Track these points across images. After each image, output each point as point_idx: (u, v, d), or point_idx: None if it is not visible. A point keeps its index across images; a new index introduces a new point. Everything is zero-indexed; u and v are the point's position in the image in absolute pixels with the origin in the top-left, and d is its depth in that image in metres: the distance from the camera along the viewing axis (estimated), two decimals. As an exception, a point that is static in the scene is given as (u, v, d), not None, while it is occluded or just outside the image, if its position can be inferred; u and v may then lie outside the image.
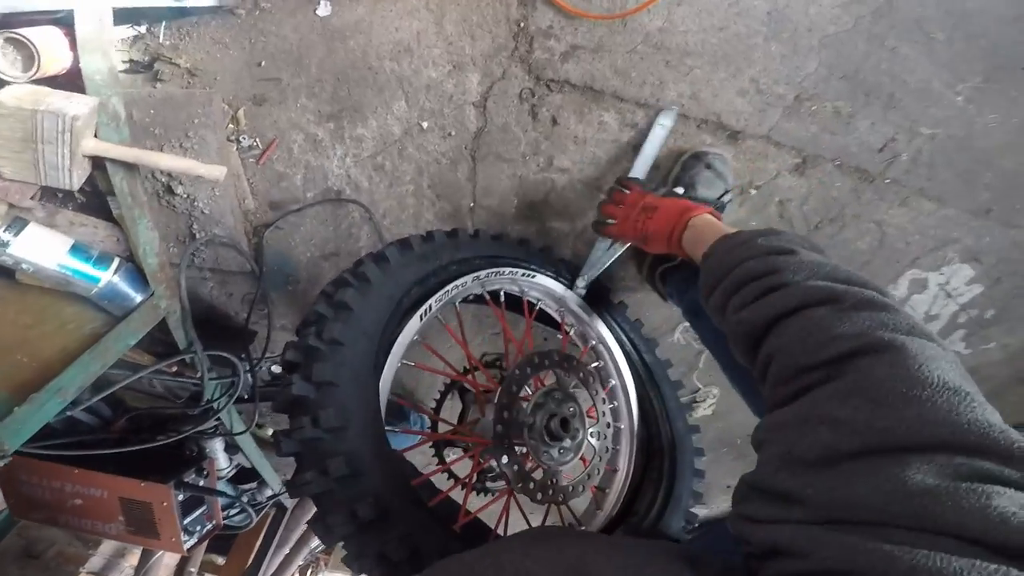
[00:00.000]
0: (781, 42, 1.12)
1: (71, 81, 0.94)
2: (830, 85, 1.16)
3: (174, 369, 1.37)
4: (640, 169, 1.21)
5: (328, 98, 1.18)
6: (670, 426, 1.28)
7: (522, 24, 1.13)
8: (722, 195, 1.22)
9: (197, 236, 1.32)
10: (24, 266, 1.05)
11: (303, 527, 2.07)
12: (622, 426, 1.29)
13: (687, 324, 1.55)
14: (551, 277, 1.27)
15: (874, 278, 1.35)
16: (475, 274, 1.12)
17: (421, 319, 1.03)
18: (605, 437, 1.15)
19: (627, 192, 1.11)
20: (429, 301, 1.04)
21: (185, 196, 1.25)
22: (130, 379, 1.24)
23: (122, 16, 1.01)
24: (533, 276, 1.24)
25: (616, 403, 1.30)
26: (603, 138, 1.26)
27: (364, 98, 1.19)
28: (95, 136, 0.97)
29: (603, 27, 1.12)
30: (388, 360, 0.96)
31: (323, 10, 1.07)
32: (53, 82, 0.93)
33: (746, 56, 1.14)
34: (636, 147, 1.25)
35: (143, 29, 1.06)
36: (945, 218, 1.33)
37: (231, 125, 1.19)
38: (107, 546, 1.76)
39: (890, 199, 1.31)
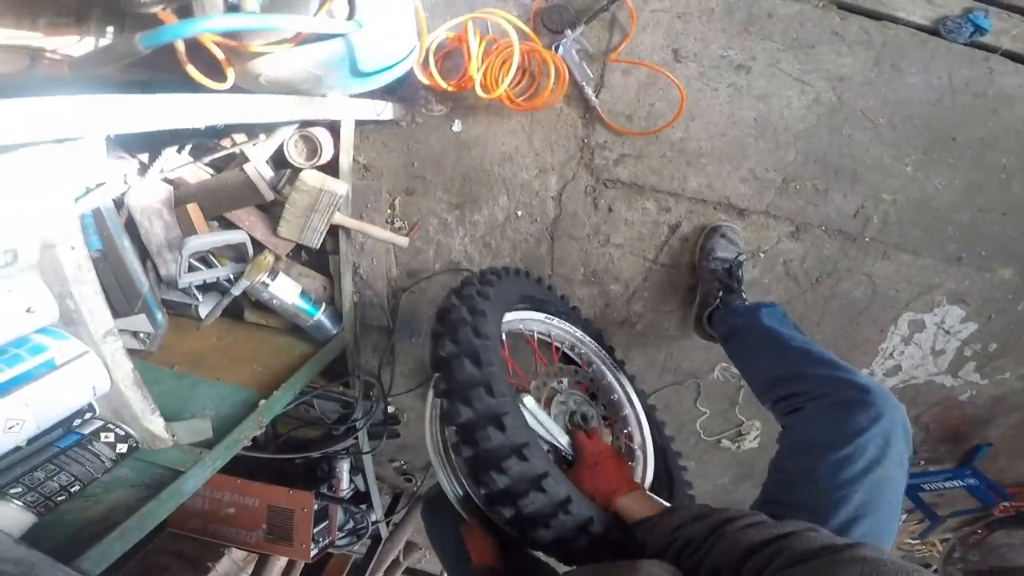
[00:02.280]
0: (766, 140, 1.63)
1: (325, 170, 1.53)
2: (807, 168, 1.64)
3: (340, 388, 1.82)
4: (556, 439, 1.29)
5: (456, 192, 1.75)
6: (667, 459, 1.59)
7: (586, 140, 1.69)
8: (737, 256, 1.66)
9: (357, 296, 1.85)
10: (274, 301, 1.59)
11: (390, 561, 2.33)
12: (635, 447, 1.59)
13: (724, 364, 1.89)
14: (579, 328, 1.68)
15: (875, 321, 1.72)
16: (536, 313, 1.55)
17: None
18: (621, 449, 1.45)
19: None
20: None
21: (355, 263, 1.81)
22: (311, 395, 1.70)
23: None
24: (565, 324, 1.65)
25: (630, 428, 1.62)
26: (646, 220, 1.75)
27: (480, 193, 1.75)
28: (340, 210, 1.55)
29: (642, 140, 1.67)
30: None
31: (457, 127, 1.67)
32: (322, 170, 1.52)
33: (743, 152, 1.65)
34: (671, 227, 1.74)
35: None
36: (923, 267, 1.70)
37: (389, 210, 1.77)
38: (215, 574, 2.04)
39: (873, 254, 1.70)
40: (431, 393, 1.20)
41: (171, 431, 1.19)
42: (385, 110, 1.57)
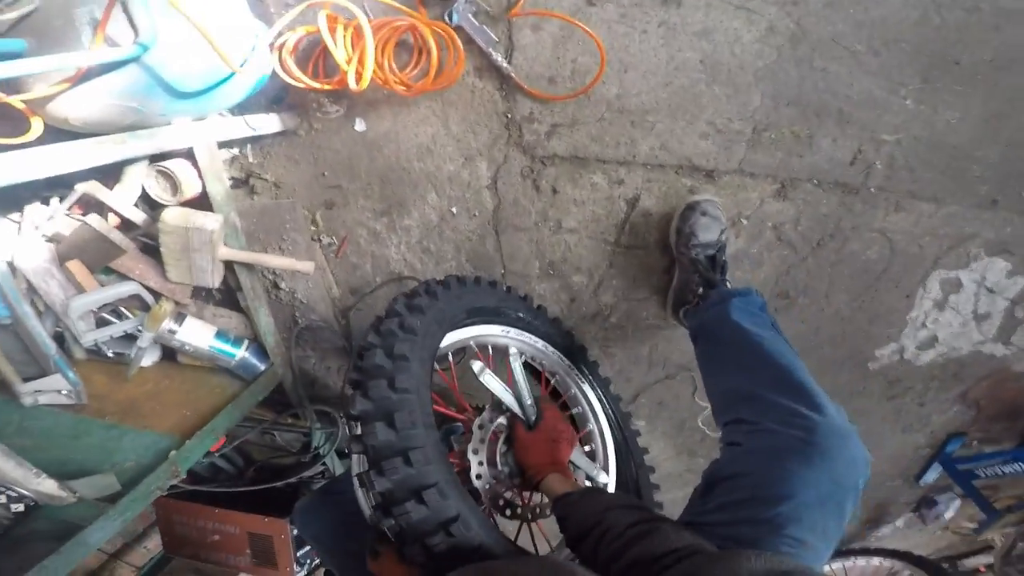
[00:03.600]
0: (721, 84, 1.31)
1: (200, 202, 1.40)
2: (780, 112, 1.31)
3: (289, 421, 1.73)
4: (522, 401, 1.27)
5: (378, 197, 1.56)
6: (634, 462, 1.44)
7: (509, 115, 1.44)
8: (720, 234, 1.37)
9: (299, 321, 1.72)
10: (187, 348, 1.50)
11: None
12: (598, 464, 1.39)
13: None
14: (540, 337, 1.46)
15: (897, 285, 1.39)
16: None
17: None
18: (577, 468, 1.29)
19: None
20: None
21: (288, 290, 1.67)
22: (258, 428, 1.62)
23: (221, 144, 1.44)
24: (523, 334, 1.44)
25: (592, 445, 1.42)
26: (598, 197, 1.48)
27: (404, 194, 1.55)
28: (225, 244, 1.41)
29: (572, 104, 1.39)
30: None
31: (360, 126, 1.46)
32: (191, 204, 1.39)
33: (696, 103, 1.34)
34: (629, 201, 1.46)
35: (236, 151, 1.51)
36: (950, 215, 1.33)
37: (312, 227, 1.60)
38: None
39: (883, 206, 1.35)
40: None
41: (71, 488, 1.19)
42: (268, 122, 1.39)
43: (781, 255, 1.46)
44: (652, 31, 1.28)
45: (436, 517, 0.87)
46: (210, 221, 1.34)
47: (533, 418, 1.25)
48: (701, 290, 1.37)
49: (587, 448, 1.47)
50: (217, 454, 1.74)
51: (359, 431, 0.95)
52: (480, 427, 1.24)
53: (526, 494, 1.27)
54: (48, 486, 1.18)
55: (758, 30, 1.24)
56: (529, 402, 1.26)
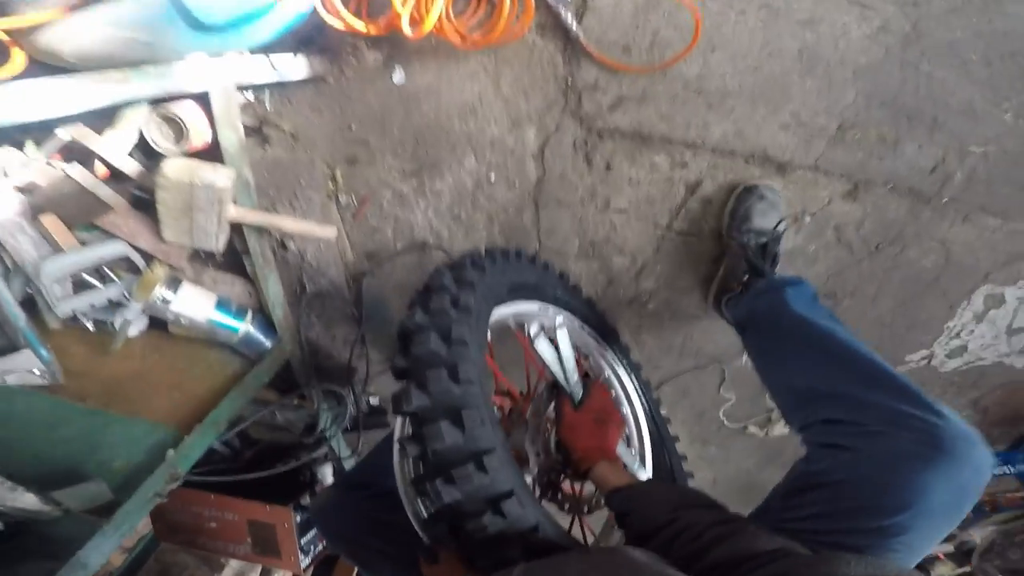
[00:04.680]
0: (816, 77, 1.19)
1: (210, 153, 1.17)
2: (871, 113, 1.21)
3: (295, 403, 1.58)
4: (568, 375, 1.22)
5: (409, 157, 1.37)
6: (667, 450, 1.42)
7: (569, 81, 1.27)
8: (777, 224, 1.29)
9: (307, 286, 1.54)
10: (182, 320, 1.30)
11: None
12: (633, 450, 1.35)
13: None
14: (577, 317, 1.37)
15: (944, 295, 1.37)
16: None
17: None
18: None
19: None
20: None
21: (296, 251, 1.48)
22: (260, 413, 1.46)
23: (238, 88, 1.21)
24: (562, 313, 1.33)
25: (628, 430, 1.38)
26: (656, 178, 1.36)
27: (439, 155, 1.37)
28: (234, 203, 1.20)
29: (644, 78, 1.24)
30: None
31: (398, 77, 1.26)
32: (197, 155, 1.17)
33: (783, 92, 1.22)
34: (689, 186, 1.35)
35: (251, 97, 1.28)
36: (1013, 232, 1.31)
37: (330, 184, 1.40)
38: (230, 570, 1.95)
39: (951, 217, 1.31)
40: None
41: (56, 501, 1.03)
42: (295, 66, 1.16)
43: (837, 256, 1.40)
44: (751, 13, 1.13)
45: (515, 528, 0.76)
46: (220, 177, 1.13)
47: (579, 395, 1.19)
48: (746, 278, 1.31)
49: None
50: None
51: (412, 431, 0.80)
52: (535, 413, 1.16)
53: (577, 485, 1.20)
54: (28, 500, 1.02)
55: (870, 27, 1.11)
56: (575, 378, 1.19)
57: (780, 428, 1.72)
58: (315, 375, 1.51)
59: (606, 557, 0.69)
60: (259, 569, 1.94)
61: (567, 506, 1.17)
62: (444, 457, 0.76)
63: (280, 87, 1.26)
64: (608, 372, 1.44)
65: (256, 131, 1.30)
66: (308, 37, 1.20)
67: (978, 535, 1.70)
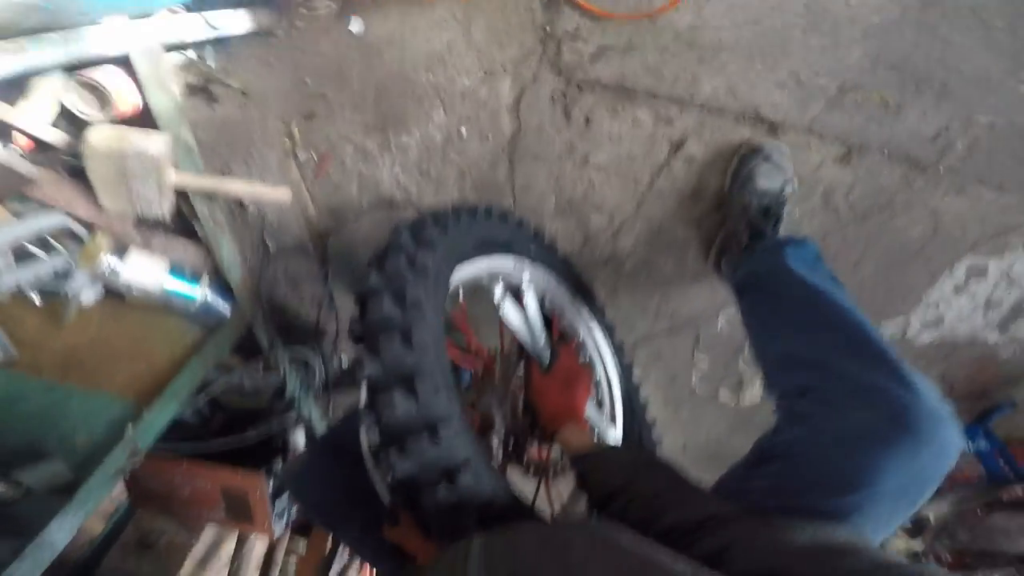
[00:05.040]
0: (821, 34, 1.08)
1: (143, 118, 1.06)
2: (876, 75, 1.11)
3: (260, 368, 1.54)
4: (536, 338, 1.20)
5: (372, 111, 1.26)
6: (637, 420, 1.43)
7: (548, 28, 1.15)
8: (783, 186, 1.22)
9: (269, 245, 1.46)
10: (135, 292, 1.22)
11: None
12: (604, 412, 1.35)
13: (732, 311, 1.55)
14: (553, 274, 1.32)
15: (927, 264, 1.33)
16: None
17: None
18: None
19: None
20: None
21: (256, 211, 1.39)
22: (225, 381, 1.41)
23: (170, 47, 1.09)
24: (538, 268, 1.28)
25: (600, 395, 1.37)
26: (638, 135, 1.27)
27: (405, 109, 1.26)
28: (175, 168, 1.10)
29: (631, 27, 1.12)
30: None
31: (356, 27, 1.13)
32: (128, 121, 1.06)
33: (783, 49, 1.11)
34: (673, 144, 1.26)
35: (192, 54, 1.15)
36: (1006, 205, 1.25)
37: (287, 141, 1.29)
38: (208, 534, 1.99)
39: (945, 187, 1.24)
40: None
41: (17, 480, 1.02)
42: (235, 20, 1.02)
43: (823, 220, 1.34)
44: (758, -42, 1.00)
45: (469, 499, 0.74)
46: (153, 143, 1.03)
47: (548, 359, 1.17)
48: (747, 240, 1.24)
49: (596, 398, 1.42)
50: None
51: (368, 399, 0.78)
52: (504, 377, 1.14)
53: (543, 448, 1.21)
54: None
55: (890, -18, 0.99)
56: (544, 341, 1.17)
57: (751, 396, 1.73)
58: (282, 337, 1.46)
59: (563, 531, 0.67)
60: (236, 534, 1.97)
61: (532, 469, 1.19)
62: (397, 427, 0.74)
63: (224, 43, 1.12)
64: (583, 332, 1.42)
65: (202, 90, 1.17)
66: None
67: (932, 514, 1.73)
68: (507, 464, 1.16)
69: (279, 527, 1.63)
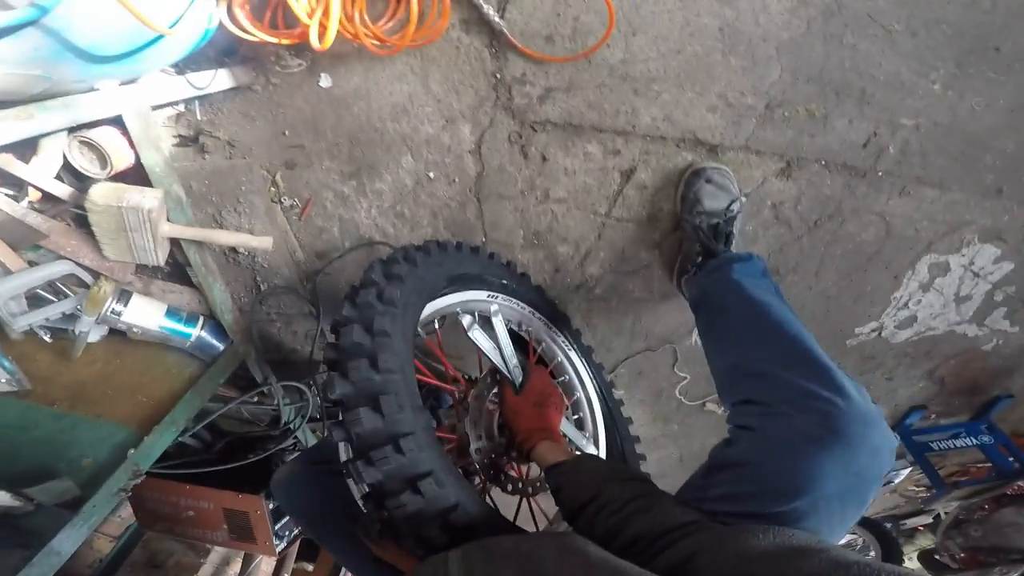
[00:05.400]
0: (739, 55, 1.19)
1: (137, 173, 1.20)
2: (798, 89, 1.20)
3: (255, 399, 1.63)
4: (507, 361, 1.26)
5: (346, 159, 1.39)
6: (619, 433, 1.45)
7: (498, 75, 1.27)
8: (729, 204, 1.29)
9: (261, 286, 1.58)
10: (135, 329, 1.35)
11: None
12: (587, 433, 1.38)
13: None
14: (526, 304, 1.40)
15: (887, 266, 1.37)
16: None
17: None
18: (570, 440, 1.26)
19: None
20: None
21: (246, 254, 1.52)
22: (221, 410, 1.52)
23: (160, 106, 1.23)
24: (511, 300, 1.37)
25: (581, 414, 1.41)
26: (591, 167, 1.37)
27: (376, 156, 1.38)
28: (168, 220, 1.24)
29: (570, 67, 1.24)
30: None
31: (325, 82, 1.27)
32: (124, 176, 1.20)
33: (708, 73, 1.21)
34: (624, 173, 1.36)
35: (182, 108, 1.30)
36: (952, 203, 1.30)
37: (272, 188, 1.42)
38: (215, 555, 2.04)
39: (888, 190, 1.30)
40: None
41: (27, 496, 1.09)
42: (217, 79, 1.18)
43: (777, 233, 1.41)
44: (667, -8, 1.13)
45: (434, 507, 0.81)
46: (147, 199, 1.16)
47: (520, 380, 1.22)
48: (700, 259, 1.32)
49: (576, 416, 1.46)
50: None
51: (340, 417, 0.86)
52: (477, 398, 1.20)
53: (523, 468, 1.25)
54: (2, 497, 1.07)
55: (789, 0, 1.10)
56: (515, 362, 1.23)
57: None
58: (275, 371, 1.56)
59: (534, 542, 0.71)
60: (242, 554, 2.02)
61: (512, 488, 1.22)
62: (365, 440, 0.82)
63: (208, 98, 1.28)
64: (560, 356, 1.47)
65: (193, 140, 1.32)
66: (229, 48, 1.21)
67: (942, 510, 1.69)
68: (487, 483, 1.20)
69: (280, 546, 1.69)
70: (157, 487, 1.71)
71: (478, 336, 1.20)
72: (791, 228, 1.39)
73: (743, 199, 1.35)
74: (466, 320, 1.19)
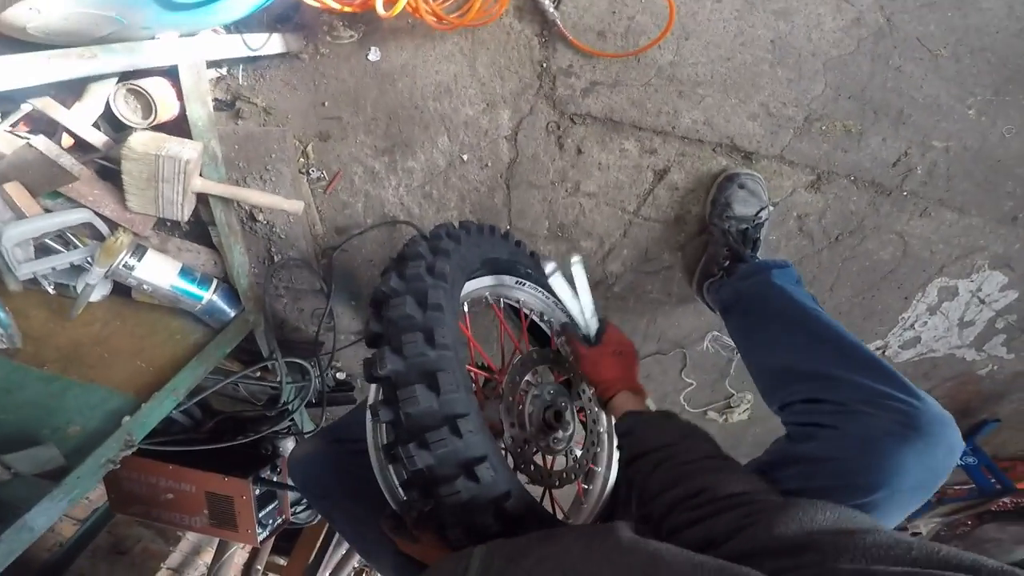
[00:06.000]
0: (787, 67, 1.22)
1: (178, 126, 1.17)
2: (838, 105, 1.24)
3: (258, 374, 1.58)
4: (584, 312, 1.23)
5: (382, 134, 1.37)
6: None
7: (545, 65, 1.28)
8: (759, 211, 1.31)
9: (275, 258, 1.54)
10: (145, 287, 1.29)
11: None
12: (602, 428, 1.38)
13: (716, 333, 1.62)
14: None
15: (900, 287, 1.41)
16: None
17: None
18: (592, 433, 1.25)
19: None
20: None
21: (265, 222, 1.48)
22: (223, 383, 1.46)
23: (209, 64, 1.20)
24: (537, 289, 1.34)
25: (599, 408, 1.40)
26: (625, 164, 1.38)
27: (412, 134, 1.37)
28: (200, 175, 1.20)
29: (618, 64, 1.25)
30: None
31: (374, 56, 1.26)
32: (164, 128, 1.16)
33: (754, 83, 1.24)
34: (657, 173, 1.37)
35: (224, 71, 1.28)
36: (969, 227, 1.36)
37: (301, 159, 1.40)
38: (186, 543, 1.94)
39: (910, 210, 1.35)
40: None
41: (6, 464, 1.02)
42: (268, 43, 1.15)
43: (798, 245, 1.44)
44: (727, 1, 1.15)
45: (488, 494, 0.76)
46: (187, 150, 1.13)
47: (594, 332, 1.20)
48: (727, 263, 1.32)
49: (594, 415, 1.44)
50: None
51: (386, 396, 0.80)
52: (512, 386, 1.17)
53: (549, 459, 1.21)
54: None
55: (844, 19, 1.14)
56: (591, 313, 1.19)
57: (739, 415, 1.76)
58: (280, 347, 1.51)
59: (565, 537, 0.69)
60: (216, 542, 1.93)
61: (538, 477, 1.19)
62: (418, 421, 0.76)
63: (254, 62, 1.25)
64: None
65: (229, 105, 1.29)
66: (284, 14, 1.19)
67: (924, 526, 1.75)
68: (515, 472, 1.18)
69: (262, 536, 1.62)
70: (136, 465, 1.62)
71: (558, 284, 1.14)
72: (813, 241, 1.42)
73: (771, 207, 1.39)
74: (548, 267, 1.12)
